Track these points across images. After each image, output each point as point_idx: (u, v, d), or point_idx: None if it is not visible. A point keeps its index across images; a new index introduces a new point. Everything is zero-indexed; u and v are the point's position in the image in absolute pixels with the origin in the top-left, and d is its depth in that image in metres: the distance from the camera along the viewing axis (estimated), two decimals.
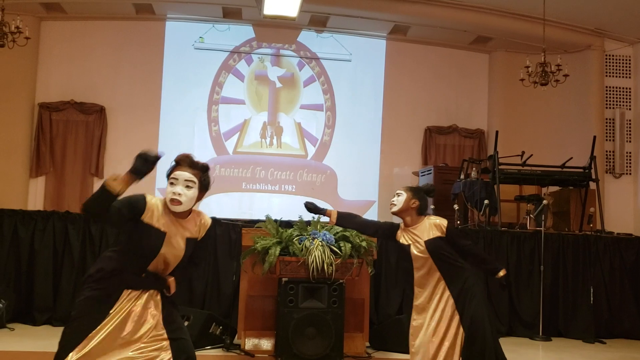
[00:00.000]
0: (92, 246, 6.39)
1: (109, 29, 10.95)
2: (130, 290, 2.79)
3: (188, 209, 2.86)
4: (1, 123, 10.16)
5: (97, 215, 2.76)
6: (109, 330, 2.71)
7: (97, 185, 10.55)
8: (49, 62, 10.72)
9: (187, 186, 2.80)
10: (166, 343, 2.79)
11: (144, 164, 2.78)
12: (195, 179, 2.82)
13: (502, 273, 3.75)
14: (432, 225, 3.78)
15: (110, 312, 2.73)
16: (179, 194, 2.78)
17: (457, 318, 3.62)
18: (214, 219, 6.50)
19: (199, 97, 11.22)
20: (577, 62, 10.76)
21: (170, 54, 11.14)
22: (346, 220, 4.12)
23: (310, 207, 4.10)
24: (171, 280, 2.90)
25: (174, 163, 2.93)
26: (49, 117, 10.59)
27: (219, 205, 10.72)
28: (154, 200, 2.86)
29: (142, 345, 2.75)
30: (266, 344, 5.34)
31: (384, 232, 4.02)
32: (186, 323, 5.45)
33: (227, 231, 6.53)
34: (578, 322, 7.01)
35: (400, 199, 3.83)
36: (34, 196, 10.47)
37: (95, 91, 10.75)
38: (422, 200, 3.83)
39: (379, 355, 5.49)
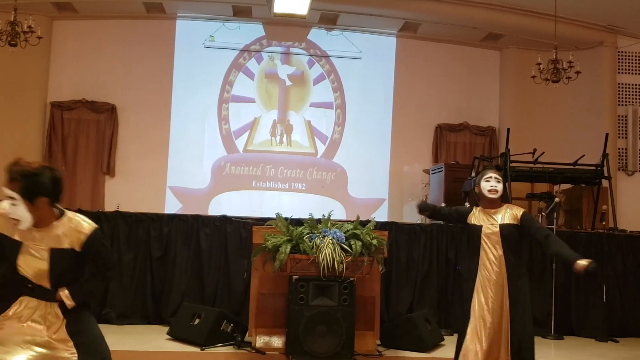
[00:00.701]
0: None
1: (119, 28, 11.00)
2: (28, 299, 2.61)
3: (30, 224, 2.57)
4: (14, 122, 10.25)
5: None
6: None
7: (108, 183, 10.66)
8: (61, 61, 10.80)
9: (12, 204, 2.53)
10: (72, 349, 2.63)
11: None
12: (14, 194, 2.52)
13: (586, 262, 3.54)
14: (510, 213, 3.92)
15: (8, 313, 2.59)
16: (9, 212, 2.55)
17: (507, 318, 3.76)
18: (224, 217, 6.57)
19: (210, 95, 11.25)
20: (589, 59, 10.68)
21: (180, 53, 11.18)
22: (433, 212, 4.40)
23: (423, 207, 4.36)
24: (63, 294, 2.63)
25: None
26: (61, 116, 10.67)
27: (230, 203, 10.77)
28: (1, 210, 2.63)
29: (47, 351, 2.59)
30: (277, 341, 5.35)
31: (455, 217, 4.22)
32: (197, 321, 5.47)
33: (237, 229, 6.55)
34: (591, 321, 6.96)
35: (500, 186, 3.94)
36: None
37: (106, 90, 10.81)
38: (505, 189, 4.03)
39: (389, 353, 5.48)
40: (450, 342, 6.08)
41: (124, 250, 6.43)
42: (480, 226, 3.90)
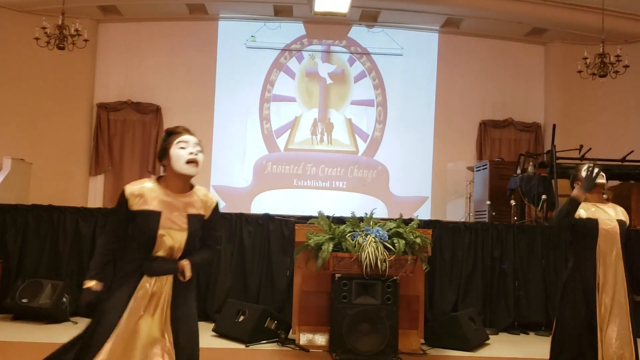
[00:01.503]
0: None
1: (163, 29, 11.21)
2: (148, 279, 2.69)
3: (197, 173, 2.79)
4: (62, 123, 10.56)
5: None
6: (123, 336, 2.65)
7: None
8: (107, 64, 11.07)
9: (199, 150, 2.76)
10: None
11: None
12: (201, 145, 2.79)
13: None
14: (621, 210, 3.71)
15: (129, 304, 2.67)
16: (196, 154, 2.73)
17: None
18: (267, 216, 6.62)
19: (251, 95, 11.36)
20: (638, 53, 10.36)
21: (223, 53, 11.32)
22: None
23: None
24: (184, 263, 2.72)
25: (167, 134, 2.83)
26: (107, 117, 10.95)
27: (272, 201, 10.85)
28: (137, 186, 2.75)
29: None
30: (320, 339, 5.36)
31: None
32: (242, 318, 5.53)
33: (279, 227, 6.59)
34: None
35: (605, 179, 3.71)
36: (94, 194, 10.85)
37: (151, 91, 11.04)
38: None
39: (434, 352, 5.43)
40: (495, 341, 6.02)
41: None
42: (597, 219, 3.57)
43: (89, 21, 10.31)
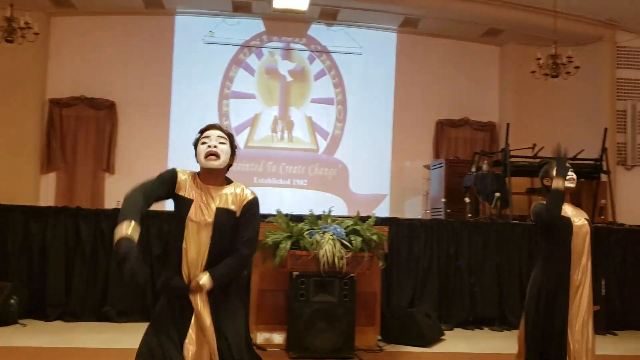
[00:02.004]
0: (104, 242, 6.40)
1: (118, 24, 10.98)
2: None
3: (225, 165, 2.76)
4: (12, 119, 10.24)
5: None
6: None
7: (108, 181, 10.66)
8: (59, 58, 10.78)
9: (221, 142, 2.75)
10: None
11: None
12: (225, 136, 2.78)
13: None
14: (582, 211, 3.71)
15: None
16: (215, 146, 2.73)
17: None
18: None
19: (210, 91, 11.24)
20: (588, 54, 10.68)
21: (180, 49, 11.16)
22: None
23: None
24: (195, 285, 2.61)
25: (199, 134, 2.84)
26: (60, 113, 10.66)
27: None
28: (185, 175, 2.80)
29: None
30: (278, 338, 5.35)
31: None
32: None
33: None
34: None
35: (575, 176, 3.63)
36: (45, 192, 10.54)
37: (105, 86, 10.79)
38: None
39: (390, 348, 5.49)
40: (450, 336, 6.11)
41: None
42: (569, 218, 3.56)
43: (40, 14, 9.99)
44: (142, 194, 2.67)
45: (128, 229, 2.44)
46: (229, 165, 2.82)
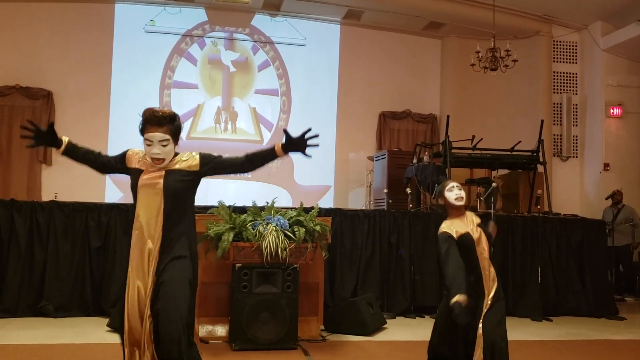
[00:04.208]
0: (40, 235, 6.22)
1: (55, 11, 10.62)
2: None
3: (169, 160, 3.01)
4: None
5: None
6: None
7: (45, 172, 10.32)
8: None
9: (163, 145, 2.94)
10: None
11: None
12: (167, 136, 2.95)
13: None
14: (474, 219, 3.83)
15: None
16: (158, 154, 2.94)
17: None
18: None
19: (151, 81, 11.02)
20: (525, 48, 11.00)
21: (120, 38, 10.89)
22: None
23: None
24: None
25: (142, 120, 3.03)
26: None
27: None
28: (136, 151, 3.11)
29: None
30: (220, 330, 5.33)
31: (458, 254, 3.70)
32: None
33: None
34: (526, 301, 7.22)
35: (464, 193, 3.82)
36: None
37: (41, 76, 10.43)
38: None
39: (333, 338, 5.54)
40: (392, 325, 6.22)
41: (61, 241, 6.25)
42: (467, 233, 3.70)
43: None
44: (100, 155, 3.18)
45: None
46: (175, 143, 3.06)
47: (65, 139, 3.12)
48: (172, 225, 2.97)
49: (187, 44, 11.26)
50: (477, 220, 3.85)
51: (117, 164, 3.12)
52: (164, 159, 2.96)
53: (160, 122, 2.96)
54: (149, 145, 2.96)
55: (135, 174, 3.03)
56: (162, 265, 2.94)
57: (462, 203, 3.81)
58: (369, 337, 5.61)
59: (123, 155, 3.11)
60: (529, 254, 7.38)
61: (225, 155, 3.21)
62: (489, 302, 3.64)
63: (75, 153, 3.19)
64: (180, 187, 3.01)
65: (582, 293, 7.47)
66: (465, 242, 3.68)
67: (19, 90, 10.31)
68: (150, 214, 2.97)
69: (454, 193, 3.82)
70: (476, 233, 3.74)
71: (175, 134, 3.01)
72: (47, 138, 3.13)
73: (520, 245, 7.39)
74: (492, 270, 3.73)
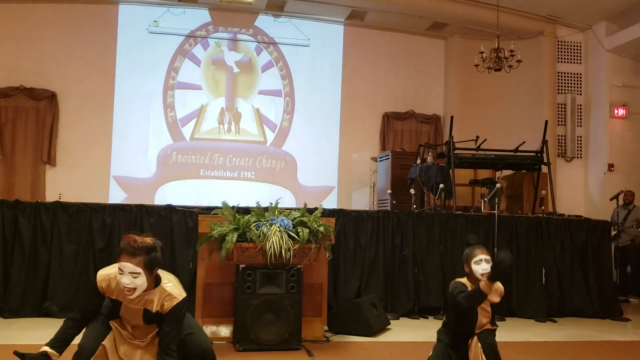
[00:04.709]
0: (44, 236, 6.22)
1: (59, 12, 10.65)
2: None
3: (142, 291, 3.04)
4: None
5: None
6: None
7: (49, 173, 10.35)
8: None
9: (134, 277, 2.98)
10: None
11: None
12: (138, 270, 2.98)
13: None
14: (498, 289, 3.75)
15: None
16: (128, 284, 2.99)
17: None
18: (169, 207, 6.46)
19: (154, 82, 11.04)
20: (530, 48, 10.99)
21: (123, 39, 10.92)
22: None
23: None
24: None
25: (118, 253, 3.08)
26: None
27: (177, 192, 10.62)
28: (104, 277, 3.15)
29: None
30: (224, 330, 5.32)
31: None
32: None
33: (183, 218, 6.46)
34: (530, 302, 7.19)
35: (490, 266, 3.69)
36: None
37: (45, 76, 10.47)
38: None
39: (337, 338, 5.53)
40: (396, 326, 6.21)
41: (65, 241, 6.26)
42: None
43: None
44: (77, 318, 3.20)
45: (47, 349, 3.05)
46: (153, 274, 3.12)
47: (47, 349, 3.09)
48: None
49: (191, 45, 11.27)
50: (500, 290, 3.74)
51: (94, 306, 3.18)
52: (134, 289, 3.00)
53: (134, 253, 3.00)
54: (120, 273, 3.00)
55: (114, 303, 3.14)
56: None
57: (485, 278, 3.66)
58: (372, 338, 5.60)
59: (96, 291, 3.16)
60: (533, 254, 7.35)
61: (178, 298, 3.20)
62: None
63: (67, 343, 3.21)
64: (158, 317, 3.15)
65: (586, 294, 7.44)
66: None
67: (23, 92, 10.35)
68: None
69: (481, 267, 3.72)
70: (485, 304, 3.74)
71: (150, 266, 3.05)
72: None
73: (524, 246, 7.37)
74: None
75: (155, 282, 3.12)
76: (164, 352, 3.08)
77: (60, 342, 3.07)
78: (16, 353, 3.00)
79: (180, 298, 3.13)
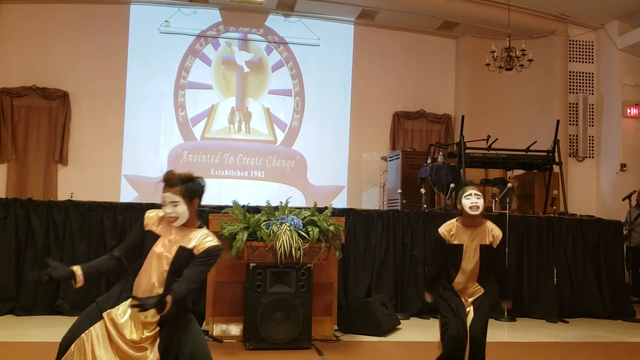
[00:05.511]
0: (56, 234, 6.28)
1: (71, 12, 10.71)
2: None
3: (185, 220, 3.05)
4: None
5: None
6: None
7: (61, 172, 10.41)
8: (10, 47, 10.46)
9: (174, 205, 3.03)
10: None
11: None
12: (177, 198, 3.03)
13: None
14: (491, 234, 3.89)
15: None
16: (170, 212, 3.03)
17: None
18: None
19: (165, 82, 11.08)
20: (541, 48, 10.92)
21: (135, 38, 10.96)
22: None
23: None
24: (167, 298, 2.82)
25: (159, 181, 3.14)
26: (10, 103, 10.36)
27: None
28: (154, 213, 3.16)
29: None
30: (234, 329, 5.34)
31: (443, 257, 3.99)
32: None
33: None
34: (542, 302, 7.17)
35: (481, 202, 3.84)
36: None
37: (58, 76, 10.53)
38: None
39: (347, 338, 5.54)
40: (406, 325, 6.21)
41: (77, 240, 6.31)
42: (462, 245, 3.86)
43: None
44: (114, 255, 3.11)
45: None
46: (196, 205, 3.12)
47: (75, 268, 2.99)
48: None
49: (202, 45, 11.30)
50: (496, 234, 3.88)
51: (137, 240, 3.12)
52: (177, 217, 3.03)
53: (172, 184, 3.08)
54: (163, 205, 3.07)
55: (151, 238, 3.08)
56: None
57: (476, 212, 3.81)
58: (382, 338, 5.60)
59: (139, 229, 3.15)
60: (545, 255, 7.32)
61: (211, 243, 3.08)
62: (471, 304, 3.83)
63: (97, 272, 3.11)
64: (186, 264, 3.04)
65: (598, 295, 7.40)
66: (453, 250, 3.86)
67: (35, 91, 10.42)
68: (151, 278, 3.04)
69: (470, 201, 3.82)
70: (473, 247, 3.83)
71: (189, 195, 3.07)
72: (59, 273, 3.00)
73: (535, 246, 7.34)
74: (474, 284, 3.86)
75: (199, 225, 3.13)
76: (180, 280, 2.94)
77: (90, 269, 3.02)
78: (47, 262, 3.04)
79: (219, 244, 3.10)
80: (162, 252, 3.01)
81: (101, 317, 2.95)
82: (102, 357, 2.88)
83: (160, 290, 2.93)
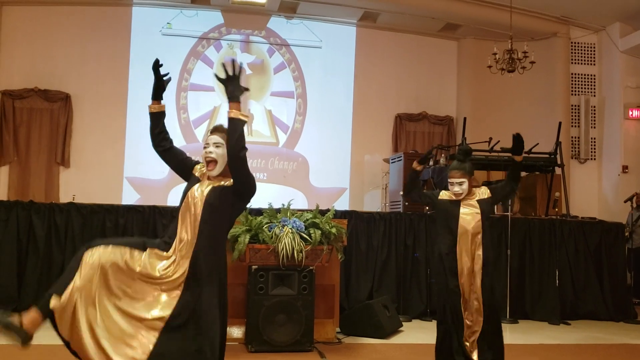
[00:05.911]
0: (58, 236, 6.28)
1: (73, 14, 10.73)
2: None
3: (222, 168, 3.07)
4: None
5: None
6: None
7: (63, 174, 10.41)
8: (11, 49, 10.47)
9: (217, 146, 3.07)
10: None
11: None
12: (221, 140, 3.07)
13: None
14: (481, 192, 4.31)
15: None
16: (211, 153, 3.06)
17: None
18: None
19: (167, 84, 11.05)
20: (543, 50, 10.91)
21: (137, 40, 10.97)
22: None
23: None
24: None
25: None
26: (12, 105, 10.37)
27: None
28: (199, 165, 3.22)
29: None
30: (237, 331, 5.34)
31: (427, 199, 4.51)
32: None
33: None
34: (544, 305, 7.16)
35: (463, 187, 4.17)
36: None
37: (60, 78, 10.54)
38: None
39: (349, 340, 5.54)
40: (408, 328, 6.20)
41: (79, 242, 6.28)
42: (452, 201, 4.21)
43: None
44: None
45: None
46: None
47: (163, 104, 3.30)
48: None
49: (204, 47, 11.32)
50: (485, 195, 4.24)
51: (187, 162, 3.23)
52: (215, 161, 3.05)
53: (219, 130, 3.16)
54: (205, 148, 3.11)
55: (192, 182, 3.13)
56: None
57: (460, 198, 4.19)
58: (385, 340, 5.60)
59: (193, 165, 3.24)
60: (547, 257, 7.32)
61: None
62: (477, 267, 4.17)
63: (160, 119, 3.35)
64: (219, 201, 3.04)
65: (600, 297, 7.39)
66: (445, 207, 4.21)
67: (37, 93, 10.44)
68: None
69: (454, 188, 4.19)
70: (466, 207, 4.16)
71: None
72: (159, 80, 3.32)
73: (537, 249, 7.33)
74: (474, 243, 4.15)
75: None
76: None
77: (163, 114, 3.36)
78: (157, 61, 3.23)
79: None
80: (197, 194, 3.03)
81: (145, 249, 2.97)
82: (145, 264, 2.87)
83: (197, 224, 2.96)
